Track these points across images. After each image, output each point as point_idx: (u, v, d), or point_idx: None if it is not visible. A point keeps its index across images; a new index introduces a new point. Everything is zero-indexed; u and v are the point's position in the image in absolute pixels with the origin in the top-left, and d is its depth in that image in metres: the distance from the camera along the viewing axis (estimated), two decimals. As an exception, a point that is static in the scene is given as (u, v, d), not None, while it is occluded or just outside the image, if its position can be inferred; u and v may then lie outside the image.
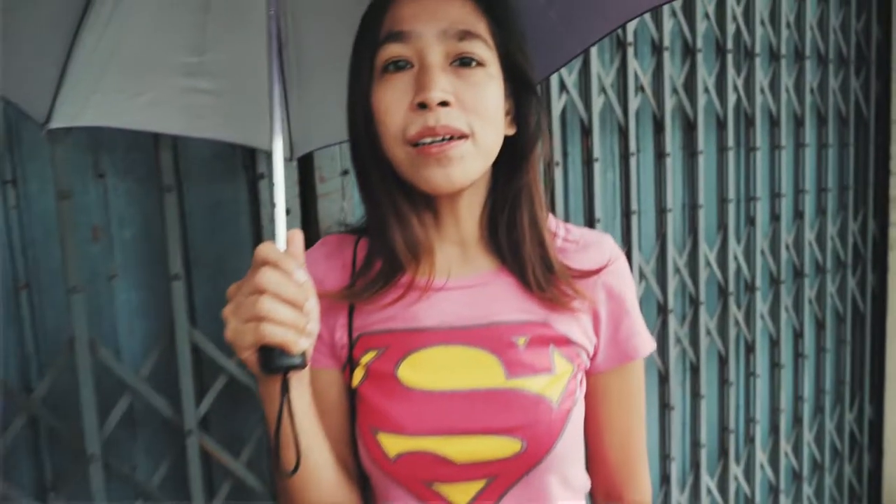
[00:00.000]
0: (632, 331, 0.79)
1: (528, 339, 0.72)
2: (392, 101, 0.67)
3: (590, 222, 1.66)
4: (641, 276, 1.75)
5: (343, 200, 1.29)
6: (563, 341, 0.74)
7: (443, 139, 0.65)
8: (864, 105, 2.32)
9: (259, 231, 1.24)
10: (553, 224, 0.80)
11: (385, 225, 0.73)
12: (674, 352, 1.82)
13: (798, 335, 2.19)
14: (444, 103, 0.65)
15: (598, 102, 1.62)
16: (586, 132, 1.64)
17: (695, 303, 1.87)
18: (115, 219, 1.16)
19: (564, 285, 0.74)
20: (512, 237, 0.74)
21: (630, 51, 1.65)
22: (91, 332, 1.09)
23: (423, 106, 0.65)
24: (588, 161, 1.65)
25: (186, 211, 1.22)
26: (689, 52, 1.80)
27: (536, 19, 0.82)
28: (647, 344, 0.80)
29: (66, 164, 1.05)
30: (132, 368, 1.17)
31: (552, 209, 1.58)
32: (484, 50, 0.68)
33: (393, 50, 0.68)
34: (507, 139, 0.73)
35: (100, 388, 1.11)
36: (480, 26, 0.69)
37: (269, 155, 0.74)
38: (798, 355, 2.20)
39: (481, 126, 0.67)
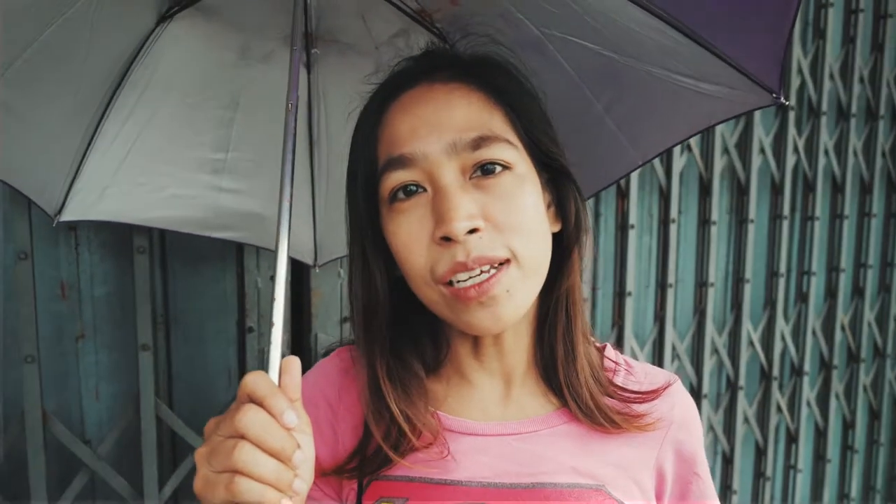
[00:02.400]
0: (701, 497, 0.68)
1: None
2: (409, 235, 0.57)
3: (620, 293, 1.50)
4: (674, 355, 1.57)
5: (340, 268, 1.16)
6: None
7: (480, 272, 0.55)
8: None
9: (243, 294, 1.12)
10: (612, 355, 0.70)
11: (398, 386, 0.61)
12: (704, 441, 1.62)
13: (849, 426, 1.96)
14: (472, 230, 0.54)
15: (637, 163, 1.46)
16: (622, 194, 1.47)
17: (732, 386, 1.68)
18: (86, 275, 1.06)
19: (617, 407, 0.63)
20: (555, 357, 0.64)
21: (678, 107, 1.48)
22: (50, 397, 0.98)
23: (447, 239, 0.54)
24: (623, 226, 1.48)
25: (168, 265, 1.11)
26: (745, 109, 1.61)
27: (595, 127, 0.74)
28: None
29: (23, 220, 0.95)
30: (96, 437, 1.06)
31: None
32: (506, 150, 0.57)
33: (397, 178, 0.57)
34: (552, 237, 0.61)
35: (57, 462, 1.01)
36: (495, 121, 0.58)
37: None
38: (847, 448, 1.97)
39: (523, 243, 0.56)
